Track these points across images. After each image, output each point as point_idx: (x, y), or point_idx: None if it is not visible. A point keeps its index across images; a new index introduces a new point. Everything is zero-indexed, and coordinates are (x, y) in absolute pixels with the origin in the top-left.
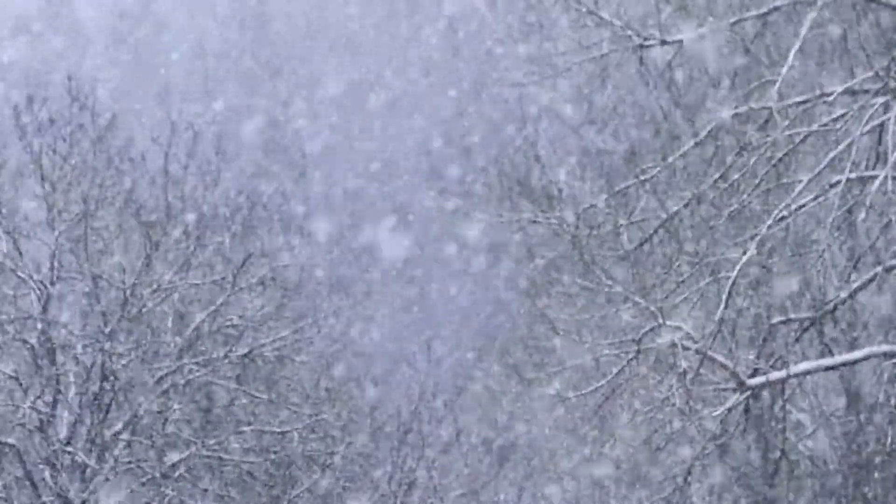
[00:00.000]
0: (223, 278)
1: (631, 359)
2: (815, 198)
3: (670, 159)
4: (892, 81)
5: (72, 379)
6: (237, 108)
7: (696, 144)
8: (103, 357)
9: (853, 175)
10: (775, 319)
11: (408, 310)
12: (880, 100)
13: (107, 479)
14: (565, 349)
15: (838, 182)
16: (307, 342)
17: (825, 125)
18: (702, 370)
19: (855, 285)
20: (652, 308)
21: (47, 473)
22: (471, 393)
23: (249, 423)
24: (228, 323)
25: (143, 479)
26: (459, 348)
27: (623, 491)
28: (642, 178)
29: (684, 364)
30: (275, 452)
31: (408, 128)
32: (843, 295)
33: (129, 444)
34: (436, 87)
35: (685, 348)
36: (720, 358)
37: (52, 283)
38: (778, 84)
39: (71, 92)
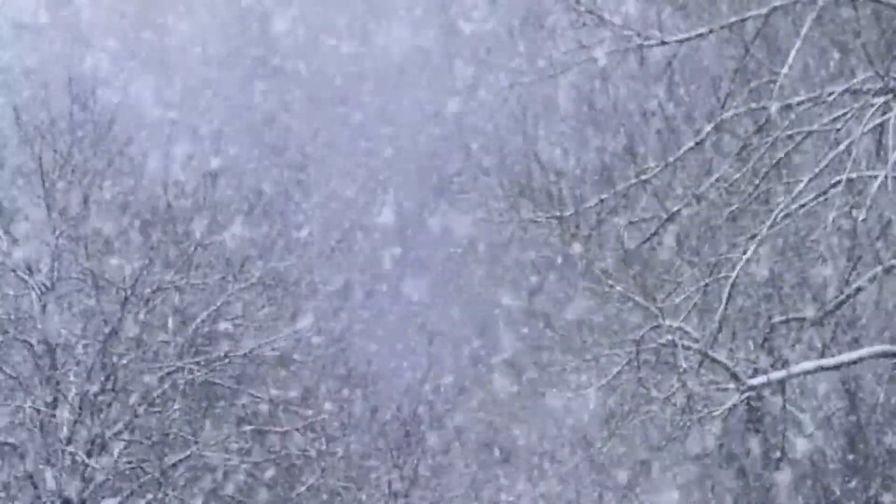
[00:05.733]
0: (223, 278)
1: (631, 359)
2: (815, 198)
3: (670, 159)
4: (892, 81)
5: (72, 379)
6: (237, 109)
7: (696, 144)
8: (103, 357)
9: (853, 175)
10: (775, 319)
11: (408, 310)
12: (880, 100)
13: (107, 479)
14: (565, 349)
15: (838, 182)
16: (307, 342)
17: (825, 125)
18: (702, 370)
19: (855, 285)
20: (652, 308)
21: (47, 473)
22: (471, 393)
23: (250, 423)
24: (228, 323)
25: (143, 479)
26: (460, 349)
27: (623, 491)
28: (642, 178)
29: (684, 364)
30: (275, 453)
31: (408, 127)
32: (843, 295)
33: (129, 444)
34: (436, 86)
35: (685, 348)
36: (720, 358)
37: (52, 283)
38: (778, 84)
39: (71, 92)
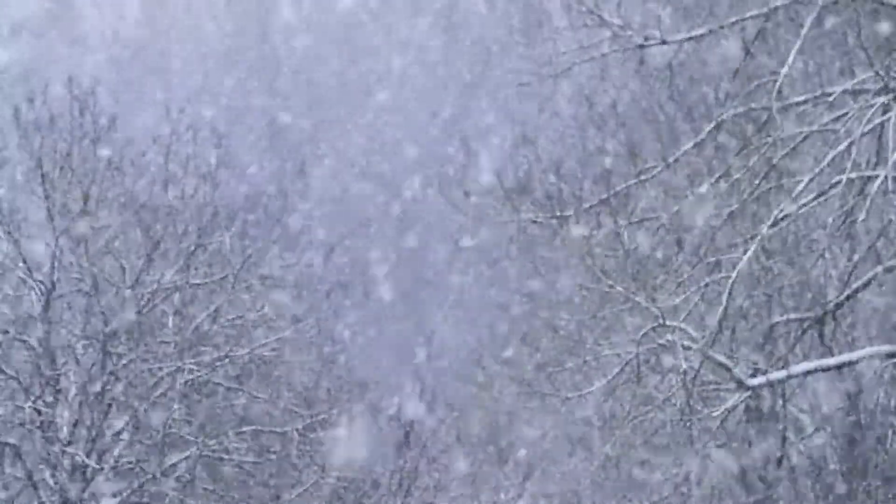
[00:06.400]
0: (223, 278)
1: (631, 359)
2: (815, 198)
3: (670, 159)
4: (893, 81)
5: (72, 379)
6: (237, 108)
7: (696, 144)
8: (103, 357)
9: (853, 175)
10: (775, 319)
11: (408, 310)
12: (880, 100)
13: (107, 480)
14: (565, 349)
15: (838, 182)
16: (307, 342)
17: (825, 125)
18: (702, 370)
19: (855, 285)
20: (652, 308)
21: (47, 473)
22: (471, 393)
23: (249, 423)
24: (228, 323)
25: (143, 479)
26: (460, 349)
27: (623, 491)
28: (642, 178)
29: (684, 364)
30: (274, 452)
31: (408, 127)
32: (843, 295)
33: (129, 444)
34: (436, 86)
35: (685, 348)
36: (720, 358)
37: (52, 283)
38: (778, 84)
39: (71, 92)
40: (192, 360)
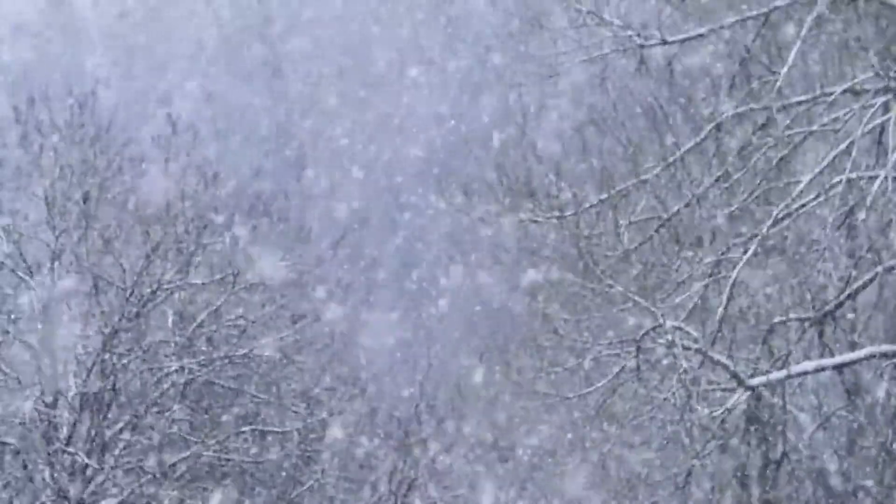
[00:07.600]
0: (223, 278)
1: (631, 359)
2: (815, 198)
3: (670, 159)
4: (893, 81)
5: (72, 379)
6: (237, 108)
7: (696, 144)
8: (103, 357)
9: (853, 175)
10: (775, 319)
11: (408, 310)
12: (880, 100)
13: (107, 479)
14: (565, 349)
15: (838, 182)
16: (307, 342)
17: (825, 125)
18: (702, 370)
19: (855, 285)
20: (652, 308)
21: (47, 473)
22: (471, 393)
23: (249, 423)
24: (228, 323)
25: (143, 479)
26: (459, 349)
27: (623, 491)
28: (642, 178)
29: (684, 364)
30: (275, 452)
31: (408, 127)
32: (843, 295)
33: (129, 444)
34: (436, 86)
35: (685, 348)
36: (720, 358)
37: (53, 284)
38: (778, 84)
39: (71, 92)
40: (192, 360)
